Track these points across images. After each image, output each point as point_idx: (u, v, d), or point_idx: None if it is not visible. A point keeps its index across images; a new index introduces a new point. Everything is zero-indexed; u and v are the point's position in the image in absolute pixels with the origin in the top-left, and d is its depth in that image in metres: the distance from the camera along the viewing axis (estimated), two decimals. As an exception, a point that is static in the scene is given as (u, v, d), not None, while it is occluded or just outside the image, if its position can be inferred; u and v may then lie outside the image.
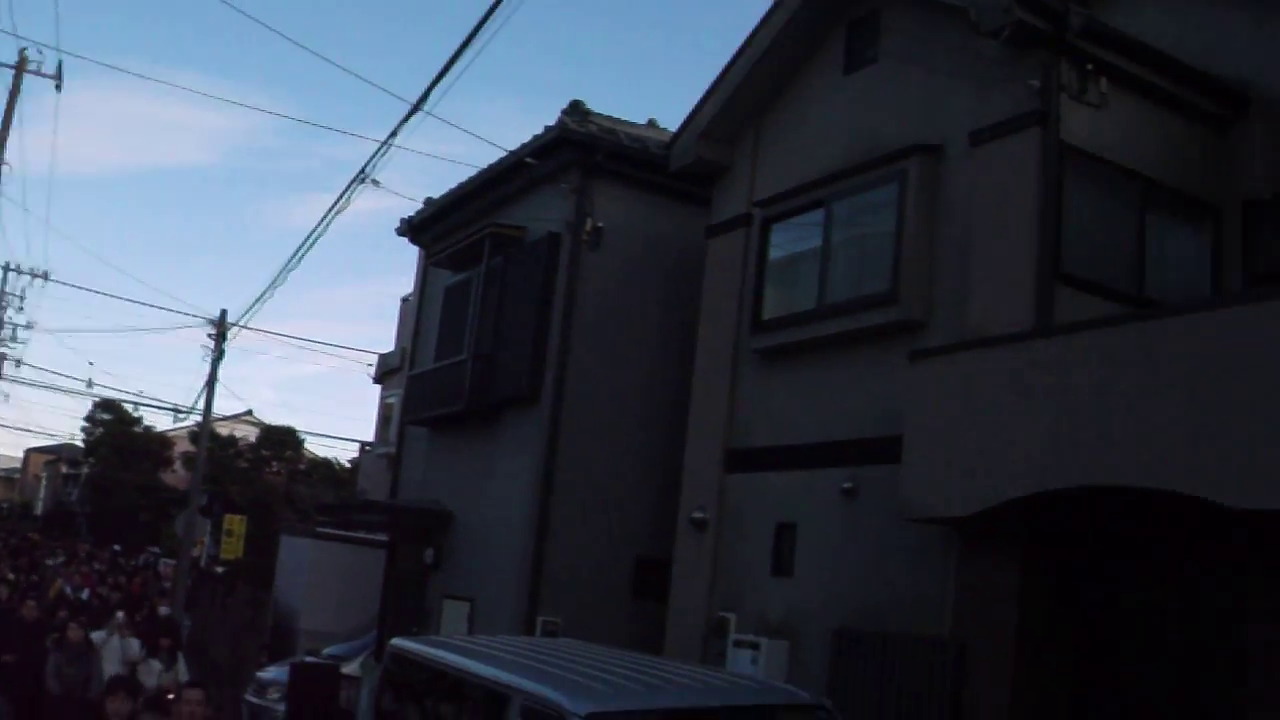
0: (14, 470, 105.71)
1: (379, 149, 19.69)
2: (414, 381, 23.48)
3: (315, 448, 58.28)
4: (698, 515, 16.13)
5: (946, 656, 12.20)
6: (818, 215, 15.22)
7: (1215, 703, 10.80)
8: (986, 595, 12.13)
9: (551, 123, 18.97)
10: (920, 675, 12.42)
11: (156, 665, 18.24)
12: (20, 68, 31.98)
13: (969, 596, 12.30)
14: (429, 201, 24.01)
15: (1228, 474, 9.61)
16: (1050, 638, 11.97)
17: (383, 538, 25.29)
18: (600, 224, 18.19)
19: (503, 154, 20.40)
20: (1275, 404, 9.40)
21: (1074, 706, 11.98)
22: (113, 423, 72.24)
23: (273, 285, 53.27)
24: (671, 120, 18.11)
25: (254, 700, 21.37)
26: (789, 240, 15.88)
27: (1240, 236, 14.07)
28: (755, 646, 14.40)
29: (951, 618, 12.44)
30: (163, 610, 28.25)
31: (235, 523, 42.44)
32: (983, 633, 12.04)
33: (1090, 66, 13.13)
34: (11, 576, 31.63)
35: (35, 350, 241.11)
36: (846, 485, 13.92)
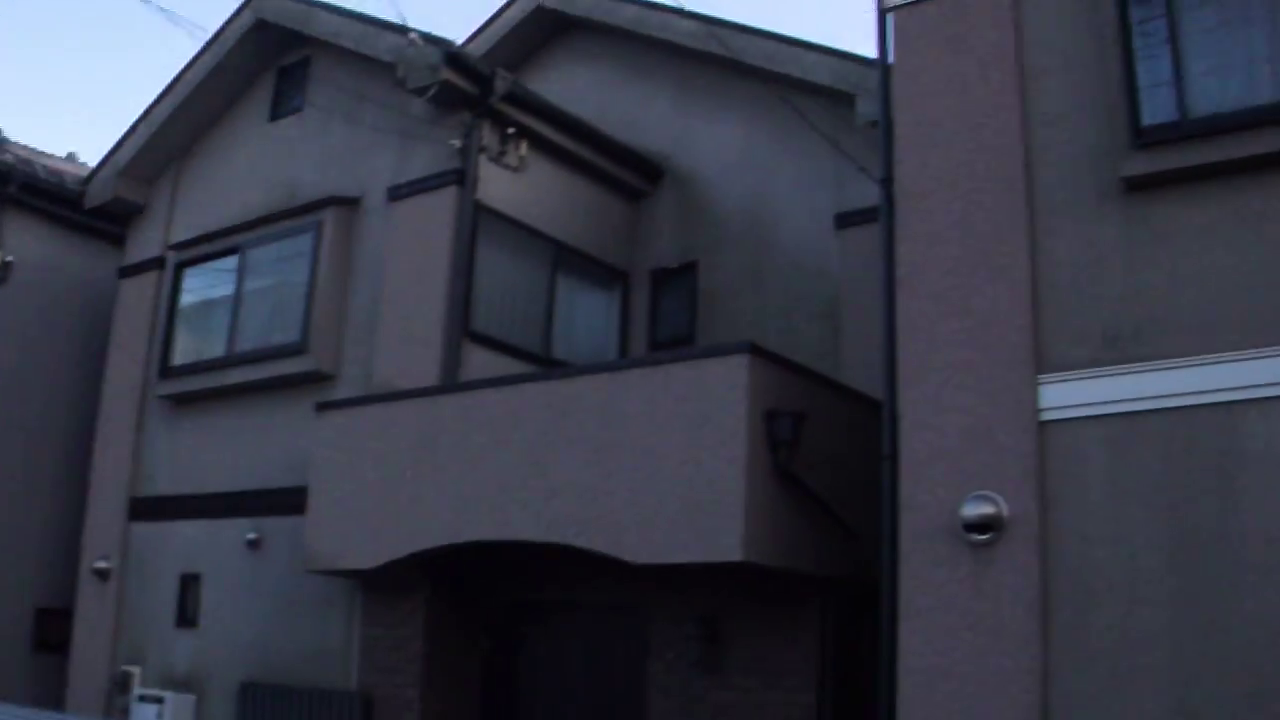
0: None
1: None
2: None
3: None
4: (100, 565, 14.53)
5: (352, 708, 11.49)
6: (232, 262, 14.08)
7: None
8: (391, 647, 11.52)
9: (-33, 151, 16.97)
10: (329, 728, 11.64)
11: None
12: None
13: (374, 648, 11.64)
14: None
15: (626, 530, 9.45)
16: (456, 687, 11.54)
17: None
18: (10, 258, 16.36)
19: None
20: (667, 464, 9.28)
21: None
22: None
23: None
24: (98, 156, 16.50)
25: None
26: (203, 285, 14.60)
27: (648, 302, 14.15)
28: (160, 701, 13.09)
29: (358, 669, 11.72)
30: None
31: None
32: (388, 684, 11.43)
33: (512, 130, 12.91)
34: None
35: None
36: (251, 536, 12.89)
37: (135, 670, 13.87)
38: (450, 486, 10.68)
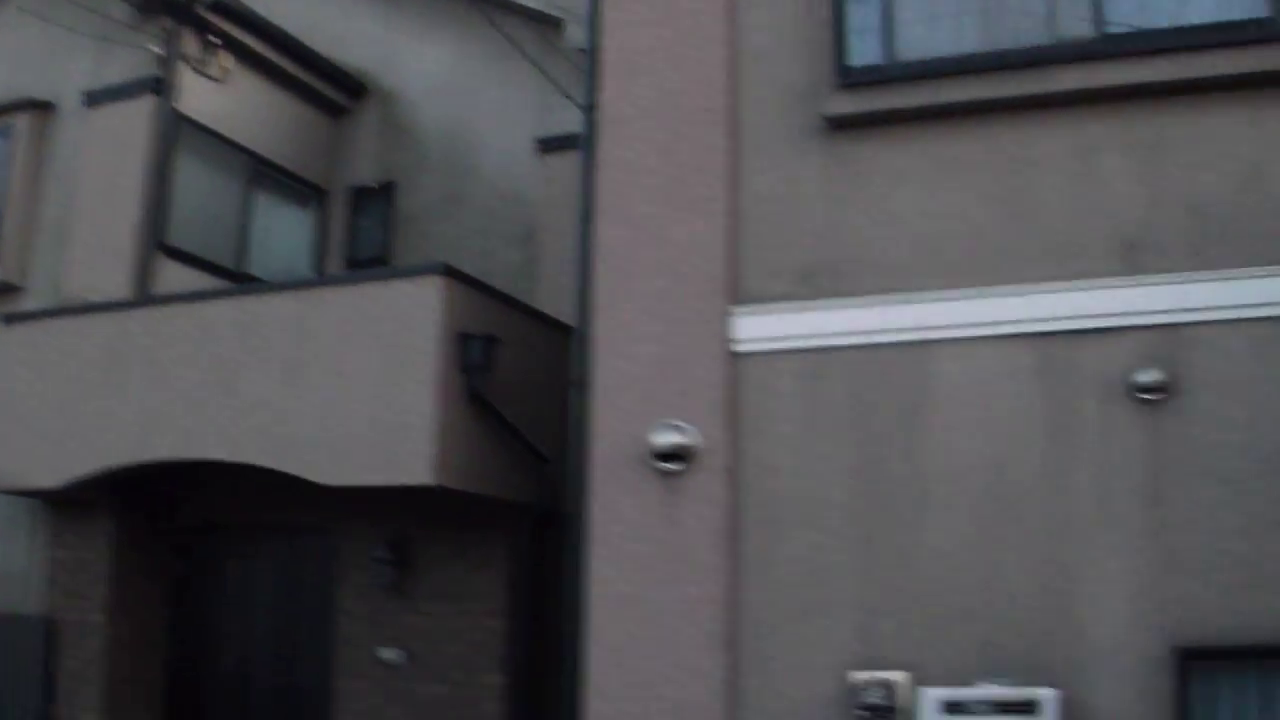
0: None
1: None
2: None
3: None
4: None
5: (35, 633, 10.65)
6: (-83, 165, 12.75)
7: (308, 671, 10.25)
8: (76, 569, 10.70)
9: None
10: (10, 653, 10.74)
11: None
12: None
13: (58, 571, 10.79)
14: None
15: (316, 451, 8.97)
16: (144, 610, 10.82)
17: None
18: None
19: None
20: (358, 385, 8.90)
21: (169, 675, 10.95)
22: None
23: None
24: None
25: None
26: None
27: (346, 221, 13.43)
28: None
29: (42, 593, 10.84)
30: None
31: None
32: (72, 607, 10.63)
33: (216, 40, 11.99)
34: None
35: None
36: (-67, 455, 11.71)
37: None
38: (139, 403, 9.89)
